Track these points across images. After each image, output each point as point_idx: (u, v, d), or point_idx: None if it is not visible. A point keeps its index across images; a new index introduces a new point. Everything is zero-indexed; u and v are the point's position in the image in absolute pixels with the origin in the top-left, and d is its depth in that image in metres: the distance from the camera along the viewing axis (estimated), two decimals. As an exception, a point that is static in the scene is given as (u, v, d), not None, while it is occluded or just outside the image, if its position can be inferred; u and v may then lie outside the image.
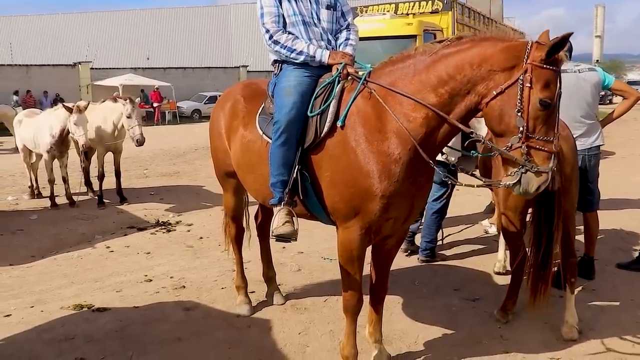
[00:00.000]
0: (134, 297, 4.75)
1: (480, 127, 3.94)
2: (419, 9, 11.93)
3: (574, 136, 4.15)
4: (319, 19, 3.44)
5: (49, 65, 27.29)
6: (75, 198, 8.62)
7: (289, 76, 3.34)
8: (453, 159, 5.20)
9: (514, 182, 2.62)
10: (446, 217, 5.88)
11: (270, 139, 3.28)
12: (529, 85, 2.53)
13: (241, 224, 4.50)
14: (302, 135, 3.19)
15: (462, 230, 6.62)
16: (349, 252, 3.14)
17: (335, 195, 3.09)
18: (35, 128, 8.24)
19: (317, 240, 6.30)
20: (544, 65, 2.53)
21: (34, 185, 9.14)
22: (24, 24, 41.67)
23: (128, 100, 7.70)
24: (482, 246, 6.00)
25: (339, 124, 3.06)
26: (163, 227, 7.28)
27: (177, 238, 6.77)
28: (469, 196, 7.70)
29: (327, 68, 3.32)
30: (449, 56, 2.80)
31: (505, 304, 4.05)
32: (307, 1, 3.44)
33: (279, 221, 3.23)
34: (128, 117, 7.69)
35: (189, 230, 7.10)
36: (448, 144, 4.06)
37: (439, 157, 5.18)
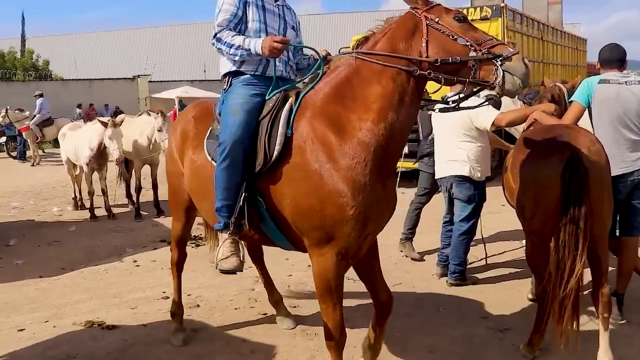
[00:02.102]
0: (146, 315, 4.64)
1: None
2: (468, 15, 11.45)
3: (622, 156, 3.73)
4: (285, 36, 3.26)
5: (110, 79, 28.38)
6: (115, 210, 8.74)
7: (236, 93, 3.15)
8: (479, 174, 4.85)
9: (500, 77, 2.63)
10: (488, 235, 5.51)
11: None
12: (437, 20, 2.75)
13: (184, 250, 4.28)
14: (250, 158, 3.00)
15: (503, 252, 6.16)
16: (325, 281, 2.91)
17: (304, 223, 2.87)
18: (77, 141, 8.43)
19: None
20: (430, 5, 2.83)
21: (78, 196, 9.34)
22: (87, 41, 43.62)
23: (159, 114, 7.75)
24: (522, 269, 5.55)
25: (288, 133, 2.91)
26: (192, 241, 7.19)
27: (202, 253, 6.63)
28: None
29: (276, 85, 3.16)
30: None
31: (531, 338, 3.64)
32: (277, 16, 3.33)
33: (222, 253, 3.07)
34: (159, 131, 7.74)
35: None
36: (472, 158, 3.85)
37: (465, 173, 4.87)
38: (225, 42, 3.13)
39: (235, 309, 4.74)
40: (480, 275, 5.34)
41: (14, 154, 17.82)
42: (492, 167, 6.86)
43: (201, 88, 29.67)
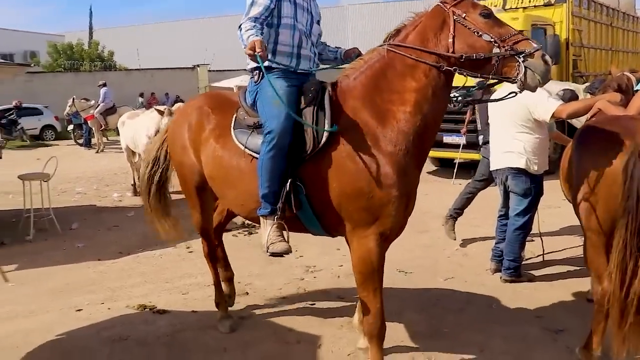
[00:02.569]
0: (197, 301, 4.72)
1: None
2: (530, 2, 11.01)
3: None
4: (311, 31, 3.43)
5: (170, 68, 29.06)
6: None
7: (274, 86, 3.11)
8: (536, 168, 4.64)
9: (522, 73, 2.72)
10: (546, 231, 5.29)
11: (254, 152, 3.21)
12: (464, 16, 2.84)
13: (212, 240, 4.25)
14: (293, 146, 3.07)
15: (562, 249, 5.89)
16: (369, 264, 3.03)
17: (350, 205, 2.99)
18: (135, 129, 8.66)
19: (396, 251, 5.94)
20: (458, 0, 2.90)
21: (137, 183, 9.60)
22: (150, 32, 44.77)
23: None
24: (581, 268, 5.28)
25: (332, 129, 3.00)
26: (246, 229, 7.29)
27: (256, 241, 6.68)
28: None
29: (307, 76, 3.31)
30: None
31: (588, 342, 3.45)
32: (305, 10, 3.41)
33: (273, 237, 3.10)
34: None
35: (270, 234, 7.04)
36: (529, 150, 4.19)
37: (521, 165, 4.67)
38: (244, 32, 3.14)
39: (284, 297, 4.76)
40: (536, 272, 5.12)
41: (80, 141, 18.59)
42: (554, 160, 6.61)
43: (258, 77, 29.98)
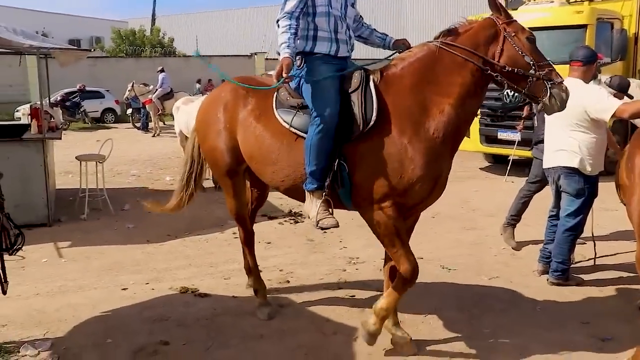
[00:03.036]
0: (238, 287, 4.78)
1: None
2: (593, -5, 10.50)
3: None
4: (346, 14, 3.56)
5: (228, 55, 29.42)
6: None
7: (318, 70, 3.42)
8: (590, 168, 4.44)
9: (548, 97, 3.16)
10: (600, 234, 5.07)
11: (299, 130, 3.45)
12: (514, 34, 3.23)
13: (247, 226, 4.31)
14: (338, 128, 3.32)
15: (615, 253, 5.63)
16: (390, 228, 3.33)
17: (382, 181, 3.27)
18: (188, 114, 8.79)
19: (441, 246, 5.87)
20: (510, 20, 3.29)
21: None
22: (209, 19, 45.49)
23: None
24: (635, 274, 5.04)
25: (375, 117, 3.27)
26: (292, 217, 7.33)
27: (301, 230, 6.75)
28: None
29: (345, 61, 3.56)
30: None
31: (637, 353, 3.29)
32: None
33: (321, 213, 3.39)
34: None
35: (315, 223, 7.05)
36: (584, 149, 4.36)
37: (575, 165, 4.49)
38: (279, 33, 3.37)
39: (324, 288, 4.76)
40: (585, 277, 4.92)
41: (138, 124, 19.15)
42: (614, 161, 6.29)
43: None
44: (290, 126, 3.50)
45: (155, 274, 5.20)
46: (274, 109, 3.61)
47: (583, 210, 4.64)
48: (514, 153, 9.34)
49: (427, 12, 38.26)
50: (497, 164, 11.02)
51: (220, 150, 3.95)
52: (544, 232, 5.20)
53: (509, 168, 9.48)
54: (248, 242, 4.34)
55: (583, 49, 4.84)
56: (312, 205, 3.43)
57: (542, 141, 5.29)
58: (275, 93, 3.63)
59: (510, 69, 3.19)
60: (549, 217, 5.09)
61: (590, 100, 4.34)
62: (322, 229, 3.44)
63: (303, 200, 3.55)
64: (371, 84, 3.37)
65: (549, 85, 3.16)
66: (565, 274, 4.73)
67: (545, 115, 4.96)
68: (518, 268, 5.28)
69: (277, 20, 3.41)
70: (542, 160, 5.21)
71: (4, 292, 3.46)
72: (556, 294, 4.60)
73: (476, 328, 4.02)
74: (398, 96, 3.33)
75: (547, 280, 4.82)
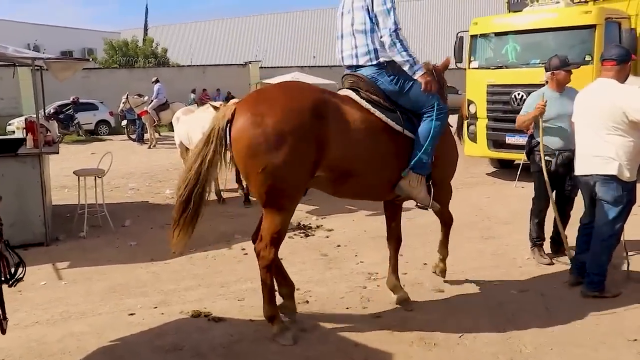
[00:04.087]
0: (253, 309, 4.44)
1: None
2: (600, -12, 10.27)
3: None
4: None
5: (222, 65, 29.18)
6: (224, 195, 8.78)
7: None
8: (629, 174, 4.15)
9: None
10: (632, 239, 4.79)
11: (405, 129, 3.95)
12: None
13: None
14: None
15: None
16: (450, 193, 4.64)
17: (448, 168, 4.43)
18: (189, 125, 8.50)
19: (464, 258, 5.55)
20: None
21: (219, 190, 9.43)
22: (202, 29, 45.41)
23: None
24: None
25: None
26: (302, 230, 7.00)
27: (313, 244, 6.43)
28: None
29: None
30: None
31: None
32: None
33: (425, 195, 4.06)
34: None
35: (327, 237, 6.72)
36: (622, 155, 4.15)
37: (613, 172, 4.21)
38: (403, 43, 3.79)
39: (347, 308, 4.44)
40: (624, 289, 4.61)
41: (133, 136, 18.81)
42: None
43: (310, 74, 29.80)
44: (403, 128, 3.95)
45: (163, 296, 4.86)
46: (380, 114, 3.87)
47: (621, 219, 4.36)
48: (524, 159, 9.05)
49: (426, 16, 38.23)
50: (504, 168, 10.77)
51: (294, 165, 3.53)
52: (573, 241, 4.91)
53: (519, 173, 9.19)
54: (277, 263, 4.06)
55: (616, 47, 4.56)
56: (422, 187, 3.99)
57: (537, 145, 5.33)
58: (357, 96, 3.92)
59: None
60: (582, 225, 4.79)
61: (628, 102, 4.07)
62: (419, 207, 4.34)
63: (378, 199, 4.36)
64: None
65: None
66: (601, 286, 4.44)
67: (575, 118, 4.69)
68: (547, 279, 4.99)
69: (396, 32, 3.76)
70: (540, 172, 5.14)
71: (4, 332, 3.09)
72: (593, 307, 4.29)
73: (515, 349, 3.71)
74: None
75: (581, 292, 4.52)
